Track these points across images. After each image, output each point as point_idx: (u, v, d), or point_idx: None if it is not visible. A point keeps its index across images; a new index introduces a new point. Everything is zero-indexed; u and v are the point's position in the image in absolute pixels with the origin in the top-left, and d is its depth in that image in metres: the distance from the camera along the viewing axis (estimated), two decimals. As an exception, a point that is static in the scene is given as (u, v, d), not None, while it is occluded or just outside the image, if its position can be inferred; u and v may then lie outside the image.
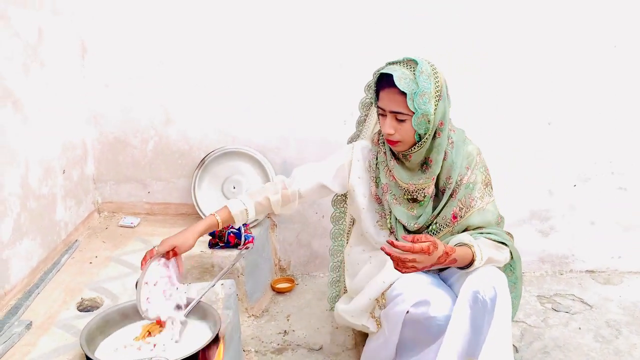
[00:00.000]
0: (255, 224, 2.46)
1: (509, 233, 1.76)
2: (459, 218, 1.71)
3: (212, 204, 2.51)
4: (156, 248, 1.62)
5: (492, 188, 1.77)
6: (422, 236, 1.52)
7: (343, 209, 2.00)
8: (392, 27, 2.40)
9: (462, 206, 1.71)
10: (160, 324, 1.58)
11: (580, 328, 2.24)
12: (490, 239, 1.65)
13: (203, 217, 2.47)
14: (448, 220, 1.72)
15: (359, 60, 2.41)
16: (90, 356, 1.42)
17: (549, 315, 2.35)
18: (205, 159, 2.53)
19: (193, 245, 1.67)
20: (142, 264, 1.60)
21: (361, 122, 1.92)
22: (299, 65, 2.46)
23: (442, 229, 1.73)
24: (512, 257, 1.72)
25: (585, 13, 2.40)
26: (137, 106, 2.53)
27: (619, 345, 2.14)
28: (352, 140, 1.96)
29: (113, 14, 2.42)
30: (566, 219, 2.64)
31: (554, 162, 2.57)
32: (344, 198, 1.99)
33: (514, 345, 2.13)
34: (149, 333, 1.56)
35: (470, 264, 1.58)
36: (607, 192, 2.60)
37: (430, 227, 1.74)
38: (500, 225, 1.77)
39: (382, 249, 1.51)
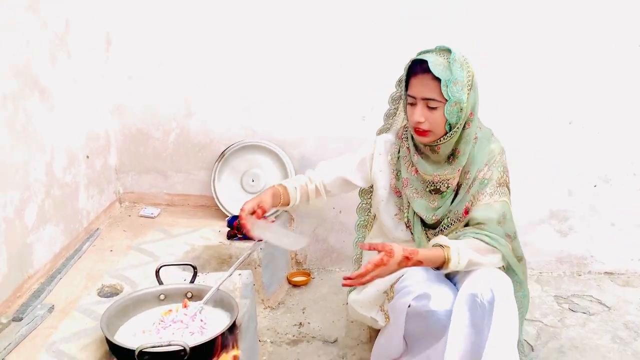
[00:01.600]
0: (273, 217, 2.48)
1: (509, 235, 1.67)
2: (469, 212, 1.70)
3: (231, 196, 2.53)
4: (245, 206, 1.70)
5: (508, 190, 1.72)
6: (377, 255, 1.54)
7: (369, 200, 2.00)
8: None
9: (473, 200, 1.69)
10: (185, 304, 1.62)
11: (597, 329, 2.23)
12: (481, 241, 1.60)
13: (222, 209, 2.52)
14: (460, 215, 1.71)
15: (378, 53, 2.42)
16: (112, 340, 1.45)
17: (566, 315, 2.33)
18: (225, 152, 2.55)
19: (271, 207, 1.76)
20: (244, 225, 1.67)
21: (390, 115, 1.90)
22: (319, 60, 2.47)
23: (453, 223, 1.72)
24: (510, 265, 1.68)
25: (608, 10, 2.37)
26: (159, 98, 2.57)
27: (638, 348, 2.12)
28: (380, 132, 1.94)
29: (138, 7, 2.46)
30: (586, 219, 2.61)
31: (574, 162, 2.55)
32: (370, 189, 1.98)
33: (529, 343, 2.12)
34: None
35: (442, 265, 1.56)
36: (628, 194, 2.57)
37: (442, 221, 1.74)
38: (503, 225, 1.66)
39: (343, 285, 1.55)
